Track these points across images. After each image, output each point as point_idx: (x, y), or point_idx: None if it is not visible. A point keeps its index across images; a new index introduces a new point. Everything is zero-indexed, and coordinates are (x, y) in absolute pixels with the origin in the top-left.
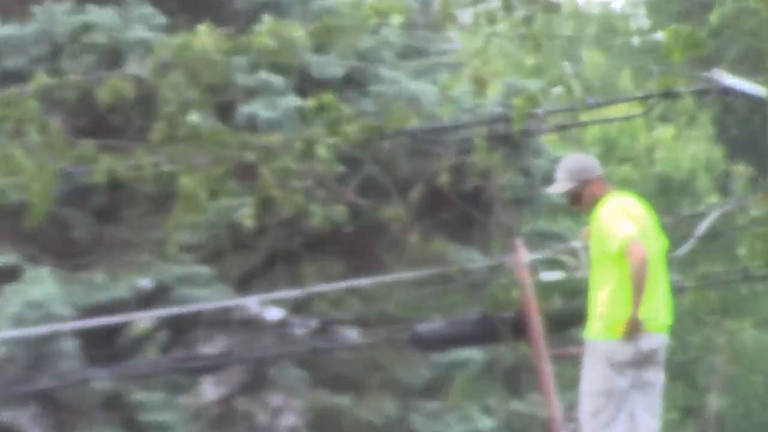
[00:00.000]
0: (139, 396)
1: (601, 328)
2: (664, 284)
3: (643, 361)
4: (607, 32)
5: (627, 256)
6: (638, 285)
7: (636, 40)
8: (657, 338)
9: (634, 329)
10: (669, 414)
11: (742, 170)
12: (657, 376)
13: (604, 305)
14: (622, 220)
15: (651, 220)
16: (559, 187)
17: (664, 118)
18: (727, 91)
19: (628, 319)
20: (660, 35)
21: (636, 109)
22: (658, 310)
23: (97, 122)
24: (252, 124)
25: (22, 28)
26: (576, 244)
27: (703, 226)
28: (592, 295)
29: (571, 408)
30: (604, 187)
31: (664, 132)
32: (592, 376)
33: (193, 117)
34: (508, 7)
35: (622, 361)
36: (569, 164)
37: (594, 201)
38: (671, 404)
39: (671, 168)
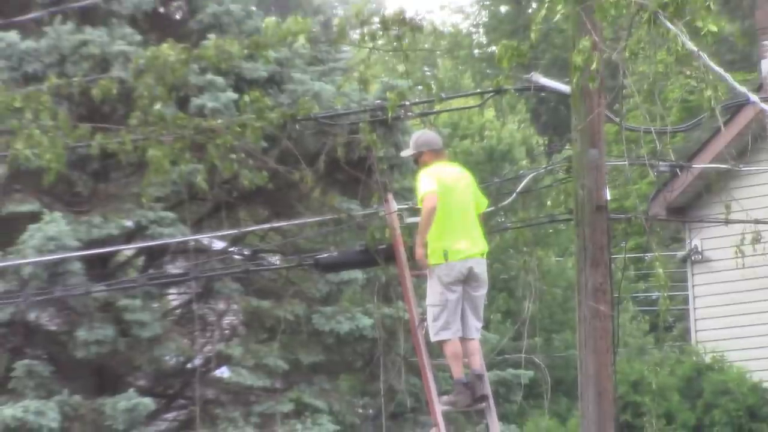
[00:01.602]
0: (125, 302)
1: (431, 256)
2: (473, 224)
3: (464, 279)
4: (456, 46)
5: (424, 205)
6: (422, 228)
7: (476, 52)
8: (468, 262)
9: (420, 257)
10: (494, 315)
11: (543, 142)
12: (479, 290)
13: (430, 240)
14: (426, 181)
15: (464, 180)
16: (405, 152)
17: (494, 107)
18: (541, 89)
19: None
20: (494, 48)
21: (475, 101)
22: (466, 242)
23: (92, 111)
24: (202, 112)
25: (38, 43)
26: None
27: (521, 185)
28: None
29: (424, 312)
30: (434, 157)
31: (492, 116)
32: (431, 292)
33: (160, 107)
34: (385, 28)
35: (447, 280)
36: (415, 137)
37: (425, 165)
38: (496, 309)
39: (496, 142)
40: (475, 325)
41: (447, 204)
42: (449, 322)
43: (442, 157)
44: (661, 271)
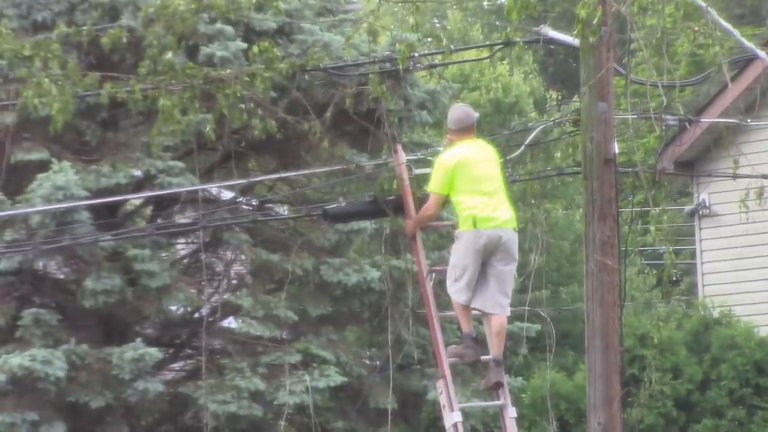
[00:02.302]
0: (133, 252)
1: (461, 223)
2: (503, 196)
3: (492, 249)
4: None
5: (426, 206)
6: (417, 218)
7: (486, 4)
8: (498, 231)
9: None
10: None
11: (555, 96)
12: (508, 264)
13: (459, 209)
14: (436, 177)
15: (489, 154)
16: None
17: (503, 59)
18: (550, 41)
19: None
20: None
21: (484, 53)
22: (496, 211)
23: (101, 60)
24: (211, 62)
25: None
26: (440, 149)
27: (530, 137)
28: None
29: (432, 264)
30: (459, 135)
31: (502, 69)
32: (455, 254)
33: (169, 56)
34: None
35: (474, 247)
36: (451, 111)
37: (449, 143)
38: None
39: (503, 95)
40: (500, 301)
41: (474, 176)
42: (468, 285)
43: (470, 134)
44: (664, 226)
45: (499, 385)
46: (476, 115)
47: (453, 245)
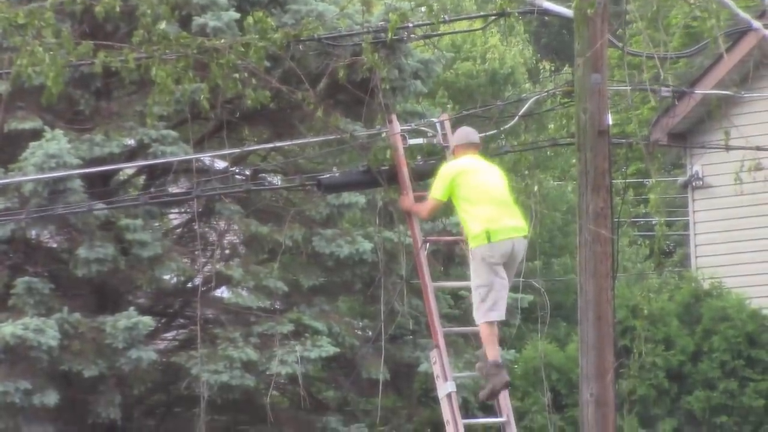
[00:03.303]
0: (125, 221)
1: (473, 240)
2: (512, 204)
3: (504, 260)
4: None
5: (424, 205)
6: (415, 209)
7: None
8: (511, 242)
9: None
10: None
11: (547, 67)
12: (512, 272)
13: (470, 223)
14: (439, 184)
15: (492, 168)
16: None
17: (498, 31)
18: (544, 12)
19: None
20: None
21: (477, 24)
22: (507, 221)
23: (95, 28)
24: (204, 31)
25: None
26: (434, 119)
27: (523, 108)
28: None
29: (425, 234)
30: (463, 151)
31: (494, 40)
32: (476, 274)
33: (163, 26)
34: None
35: (492, 261)
36: (456, 132)
37: (452, 158)
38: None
39: (498, 65)
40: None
41: (478, 185)
42: (496, 302)
43: (474, 150)
44: (656, 197)
45: (507, 385)
46: (479, 136)
47: (471, 266)
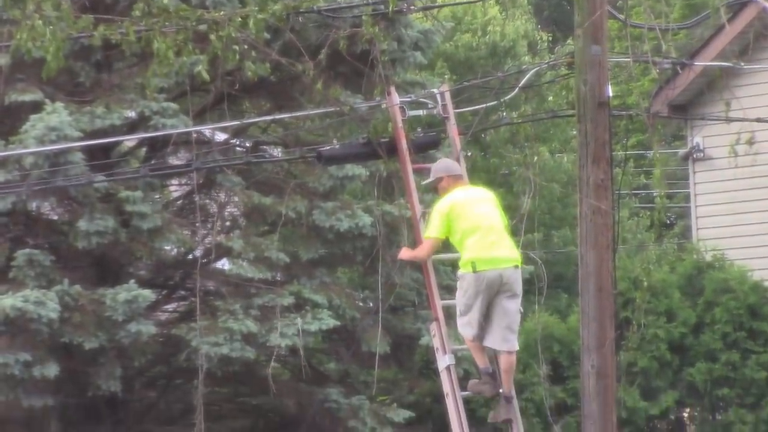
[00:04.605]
0: (126, 193)
1: (462, 266)
2: (503, 234)
3: (496, 289)
4: None
5: (422, 246)
6: (410, 255)
7: None
8: (498, 271)
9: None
10: None
11: (546, 38)
12: (512, 300)
13: (460, 251)
14: (434, 222)
15: (485, 196)
16: (426, 182)
17: (498, 3)
18: None
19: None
20: None
21: None
22: (495, 251)
23: (95, 2)
24: (203, 4)
25: None
26: (434, 90)
27: (523, 80)
28: None
29: (426, 206)
30: (453, 182)
31: (494, 11)
32: (459, 294)
33: None
34: None
35: (473, 290)
36: (436, 164)
37: (443, 192)
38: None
39: (499, 38)
40: (507, 337)
41: (469, 217)
42: (471, 322)
43: (462, 182)
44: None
45: (509, 422)
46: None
47: (458, 283)
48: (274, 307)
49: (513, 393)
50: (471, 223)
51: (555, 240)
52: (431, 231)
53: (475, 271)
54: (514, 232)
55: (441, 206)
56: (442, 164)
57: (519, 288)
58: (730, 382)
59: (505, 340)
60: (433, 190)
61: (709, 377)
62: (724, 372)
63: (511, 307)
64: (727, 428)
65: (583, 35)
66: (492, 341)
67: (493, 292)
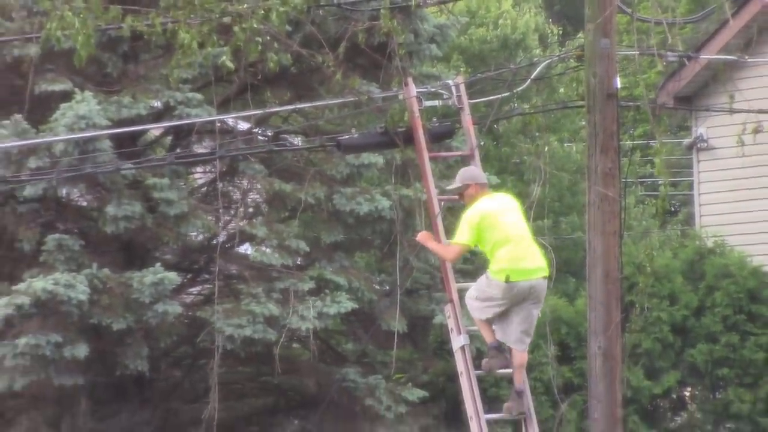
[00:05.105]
0: (152, 180)
1: (495, 273)
2: (532, 244)
3: (520, 297)
4: None
5: (451, 249)
6: (435, 249)
7: None
8: (530, 282)
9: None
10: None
11: (556, 31)
12: (536, 308)
13: (493, 260)
14: (464, 230)
15: (512, 204)
16: (451, 186)
17: None
18: None
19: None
20: None
21: None
22: (527, 262)
23: None
24: None
25: None
26: (449, 81)
27: (535, 72)
28: None
29: (441, 192)
30: (479, 190)
31: (507, 5)
32: (481, 285)
33: None
34: None
35: (501, 295)
36: (462, 171)
37: (470, 199)
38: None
39: (510, 31)
40: (523, 339)
41: (500, 227)
42: (487, 312)
43: (487, 190)
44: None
45: (522, 414)
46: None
47: (483, 278)
48: (295, 291)
49: (525, 387)
50: (502, 234)
51: (564, 226)
52: (461, 237)
53: (507, 282)
54: (525, 219)
55: (471, 216)
56: (469, 172)
57: (543, 296)
58: (730, 363)
59: (520, 341)
60: (458, 196)
61: (710, 358)
62: (724, 353)
63: (534, 313)
64: (727, 406)
65: (594, 29)
66: (507, 339)
67: (520, 299)
